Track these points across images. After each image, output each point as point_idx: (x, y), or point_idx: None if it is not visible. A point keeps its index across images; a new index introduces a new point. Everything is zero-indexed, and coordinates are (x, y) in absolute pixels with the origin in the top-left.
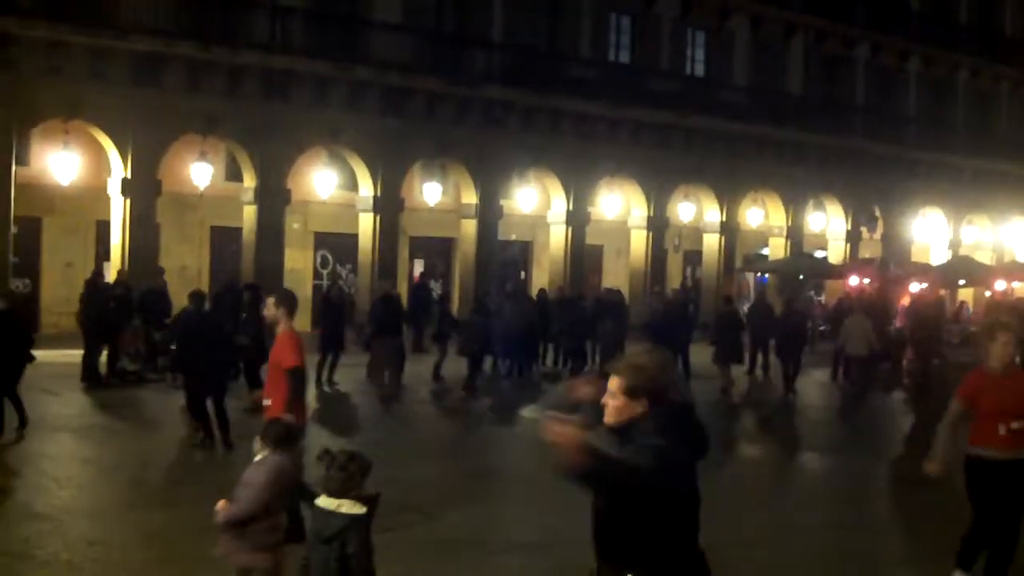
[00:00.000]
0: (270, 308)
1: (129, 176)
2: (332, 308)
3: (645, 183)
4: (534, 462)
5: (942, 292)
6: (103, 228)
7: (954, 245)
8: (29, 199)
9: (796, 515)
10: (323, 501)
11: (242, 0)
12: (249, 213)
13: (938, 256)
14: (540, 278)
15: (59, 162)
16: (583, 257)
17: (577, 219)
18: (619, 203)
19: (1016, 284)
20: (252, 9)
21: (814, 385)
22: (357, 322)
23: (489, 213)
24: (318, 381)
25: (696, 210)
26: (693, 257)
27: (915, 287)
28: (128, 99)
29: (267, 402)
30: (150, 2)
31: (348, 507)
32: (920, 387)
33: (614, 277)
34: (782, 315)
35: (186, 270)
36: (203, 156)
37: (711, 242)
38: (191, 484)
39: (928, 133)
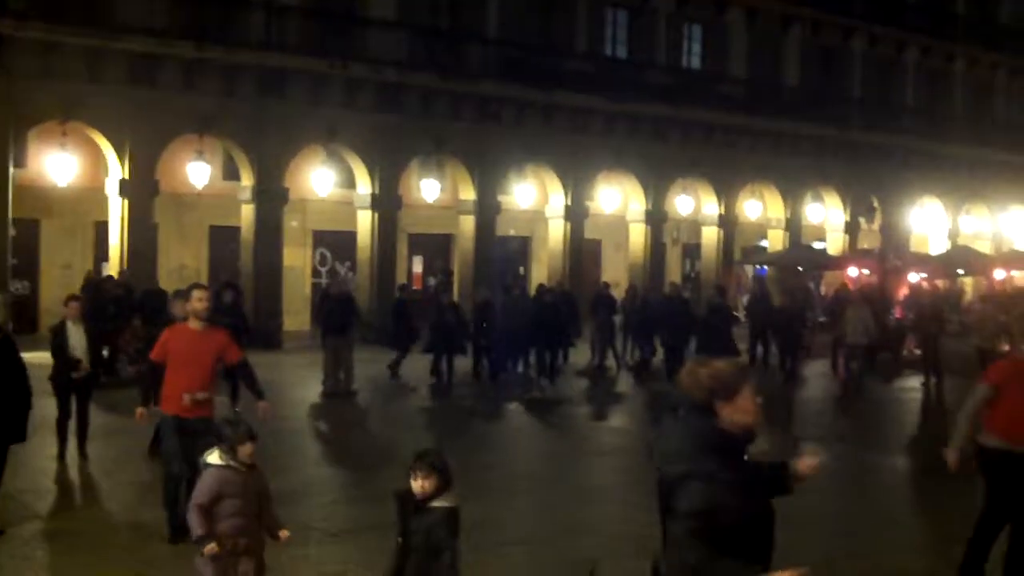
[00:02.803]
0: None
1: (127, 176)
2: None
3: (643, 177)
4: (533, 456)
5: (939, 283)
6: (101, 229)
7: (953, 235)
8: (27, 201)
9: (802, 504)
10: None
11: None
12: (247, 212)
13: (937, 246)
14: (539, 273)
15: (56, 163)
16: (582, 252)
17: (575, 214)
18: (617, 197)
19: (1015, 273)
20: (247, 8)
21: (814, 376)
22: (364, 320)
23: (487, 209)
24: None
25: (694, 203)
26: (692, 250)
27: (914, 277)
28: (124, 99)
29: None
30: (144, 2)
31: (441, 500)
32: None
33: (613, 271)
34: (780, 307)
35: (185, 269)
36: (200, 156)
37: (710, 235)
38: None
39: (925, 123)
